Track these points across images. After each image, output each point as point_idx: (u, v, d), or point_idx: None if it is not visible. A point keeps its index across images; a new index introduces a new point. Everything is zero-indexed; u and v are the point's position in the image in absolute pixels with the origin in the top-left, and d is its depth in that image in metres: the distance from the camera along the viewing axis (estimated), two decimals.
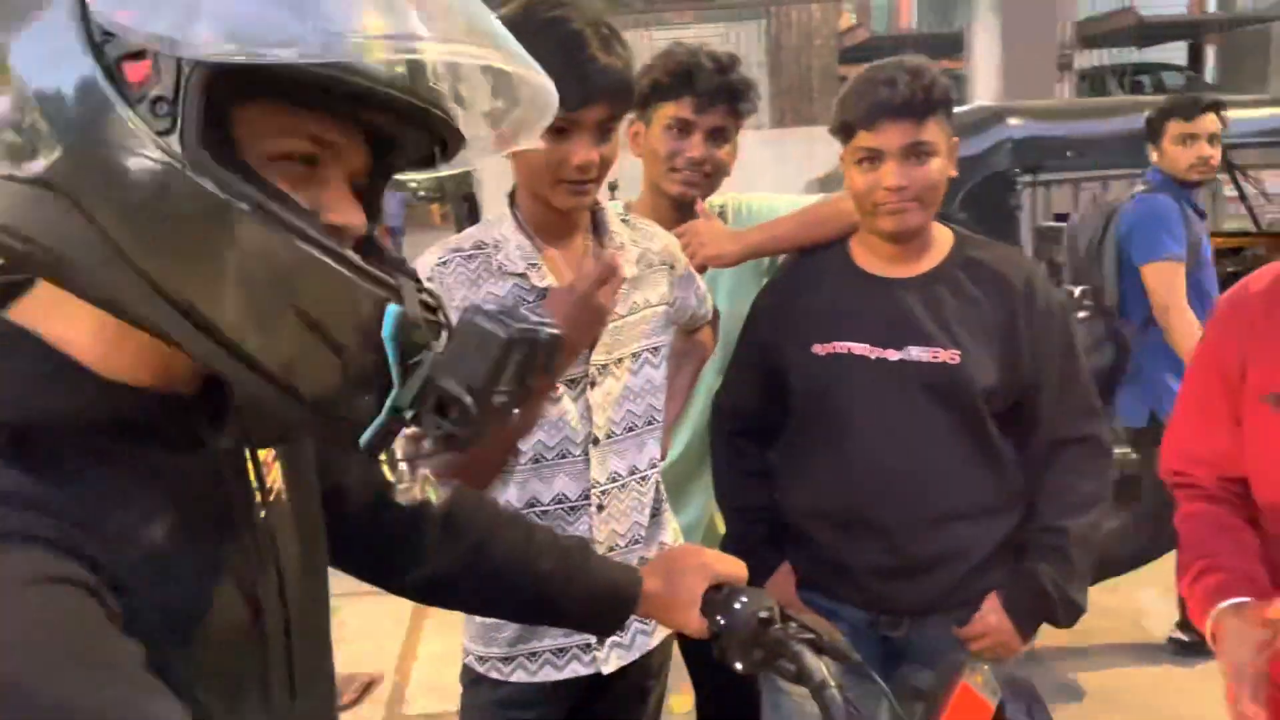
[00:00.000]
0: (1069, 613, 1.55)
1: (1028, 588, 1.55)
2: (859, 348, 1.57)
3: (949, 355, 1.52)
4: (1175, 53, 15.17)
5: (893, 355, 1.55)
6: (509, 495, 1.37)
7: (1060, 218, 5.59)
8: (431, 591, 1.02)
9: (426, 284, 0.68)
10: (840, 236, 1.68)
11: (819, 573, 1.64)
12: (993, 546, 1.57)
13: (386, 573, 1.00)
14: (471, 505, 1.04)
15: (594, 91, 1.24)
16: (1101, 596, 2.83)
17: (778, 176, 7.38)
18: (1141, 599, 3.54)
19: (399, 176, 0.75)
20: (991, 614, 1.55)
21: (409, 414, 0.62)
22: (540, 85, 0.68)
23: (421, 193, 17.48)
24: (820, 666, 0.94)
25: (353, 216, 0.66)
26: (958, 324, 1.54)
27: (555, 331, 0.68)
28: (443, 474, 1.12)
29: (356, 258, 0.61)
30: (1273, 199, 5.49)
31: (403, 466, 0.99)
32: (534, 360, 0.66)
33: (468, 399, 0.62)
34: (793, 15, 9.10)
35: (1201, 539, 1.27)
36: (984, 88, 8.72)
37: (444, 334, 0.65)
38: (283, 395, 0.60)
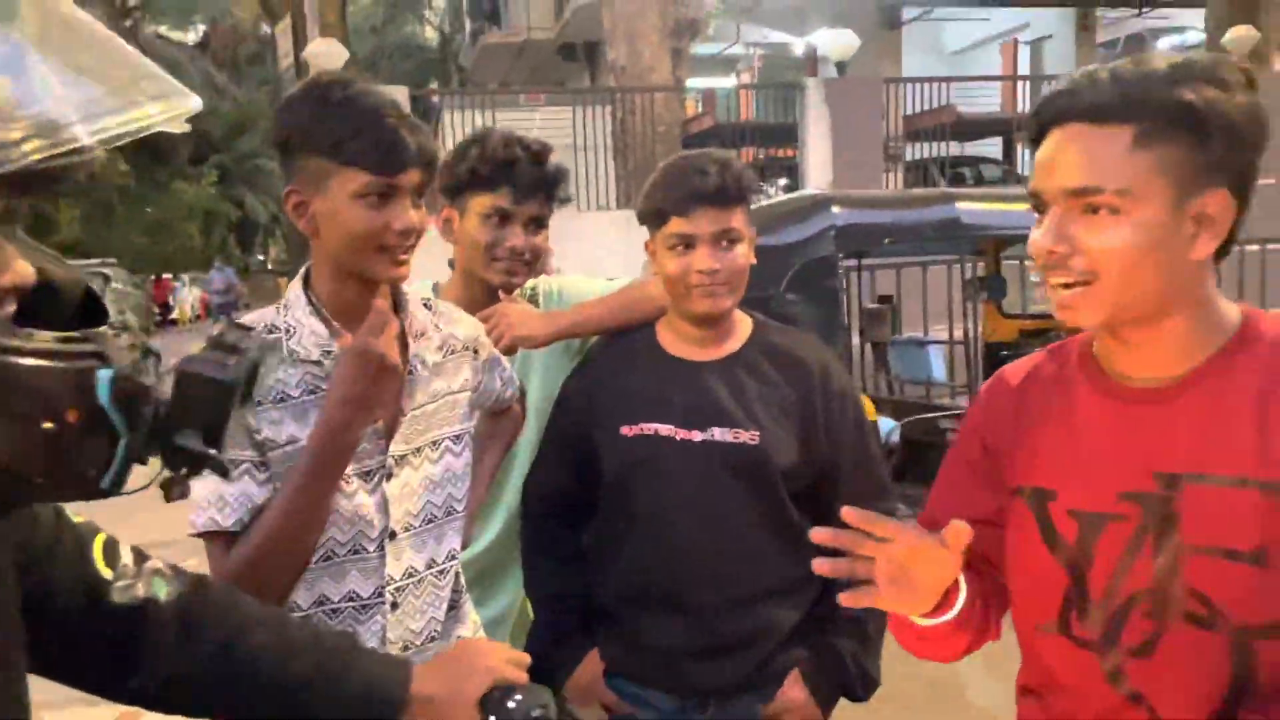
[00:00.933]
0: (866, 686, 1.60)
1: (828, 663, 1.59)
2: (665, 429, 1.60)
3: (749, 436, 1.57)
4: (992, 147, 16.45)
5: (696, 436, 1.58)
6: (296, 596, 1.30)
7: (884, 300, 5.94)
8: (166, 698, 0.94)
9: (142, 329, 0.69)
10: (648, 320, 1.72)
11: (628, 658, 1.64)
12: (796, 623, 1.61)
13: (103, 679, 0.92)
14: (220, 603, 0.98)
15: (412, 156, 1.26)
16: None
17: (625, 256, 7.54)
18: None
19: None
20: (793, 689, 1.57)
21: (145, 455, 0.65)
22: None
23: (270, 266, 17.05)
24: None
25: (18, 269, 0.65)
26: (758, 405, 1.59)
27: (268, 339, 0.72)
28: (239, 583, 1.08)
29: (43, 339, 0.61)
30: None
31: (125, 562, 0.93)
32: (254, 380, 0.71)
33: (203, 449, 0.66)
34: (638, 101, 9.41)
35: None
36: (817, 176, 9.21)
37: (159, 366, 0.67)
38: (13, 480, 0.61)
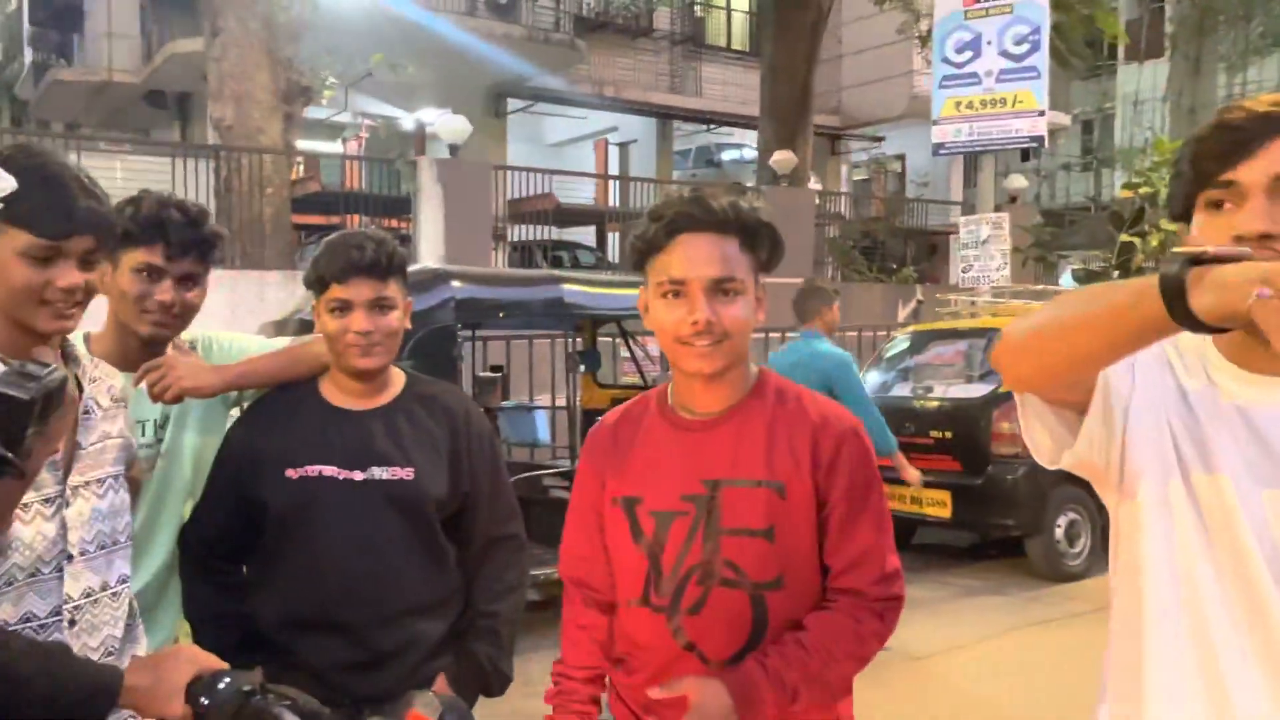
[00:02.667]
0: (500, 683, 1.89)
1: (468, 666, 1.86)
2: (329, 470, 1.81)
3: (405, 473, 1.83)
4: (587, 235, 17.91)
5: (358, 475, 1.81)
6: None
7: (495, 369, 6.37)
8: None
9: None
10: (312, 375, 1.92)
11: (286, 677, 1.79)
12: (441, 635, 1.87)
13: None
14: None
15: (79, 225, 1.37)
16: None
17: (231, 316, 7.27)
18: None
19: None
20: (441, 690, 1.83)
21: None
22: None
23: None
24: None
25: None
26: (412, 446, 1.86)
27: (62, 375, 0.89)
28: None
29: None
30: (654, 359, 6.82)
31: None
32: (51, 405, 0.88)
33: (10, 455, 0.82)
34: (244, 161, 9.16)
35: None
36: (430, 250, 9.54)
37: None
38: None
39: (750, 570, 1.48)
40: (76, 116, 18.75)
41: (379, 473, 1.82)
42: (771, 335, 8.31)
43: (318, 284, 1.83)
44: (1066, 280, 14.62)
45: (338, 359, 1.85)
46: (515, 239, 13.28)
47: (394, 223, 12.15)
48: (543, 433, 5.91)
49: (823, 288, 5.03)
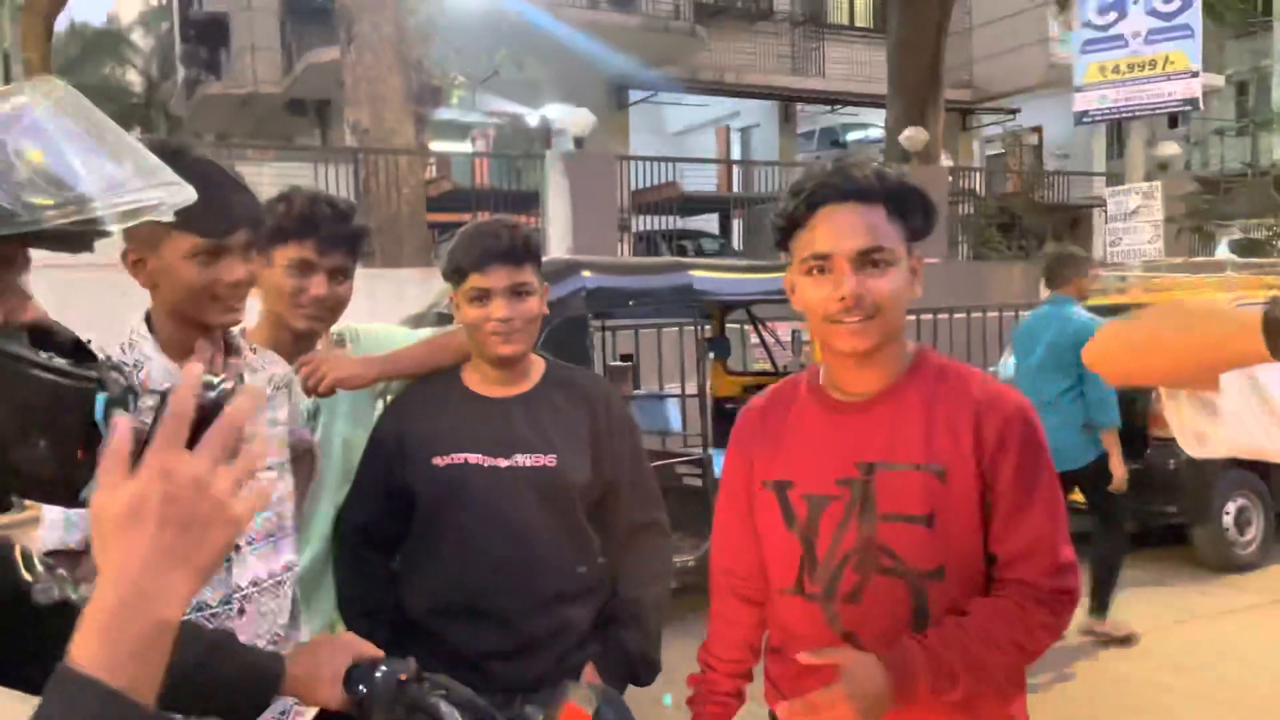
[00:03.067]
0: (648, 671, 1.87)
1: (616, 654, 1.85)
2: (474, 457, 1.82)
3: (548, 459, 1.82)
4: (710, 222, 17.83)
5: (502, 462, 1.82)
6: None
7: (625, 358, 6.39)
8: None
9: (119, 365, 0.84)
10: (454, 364, 1.94)
11: (438, 665, 1.81)
12: (589, 623, 1.86)
13: (32, 675, 1.02)
14: None
15: (238, 220, 1.43)
16: None
17: (368, 314, 7.51)
18: None
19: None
20: (590, 679, 1.82)
21: None
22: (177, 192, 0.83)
23: None
24: (454, 713, 1.14)
25: (37, 306, 0.80)
26: (554, 433, 1.85)
27: (229, 386, 0.87)
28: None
29: (60, 362, 0.76)
30: (785, 345, 6.73)
31: (39, 566, 1.02)
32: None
33: None
34: (380, 163, 9.47)
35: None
36: (558, 242, 9.66)
37: (137, 402, 0.81)
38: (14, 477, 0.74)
39: (909, 558, 1.41)
40: (225, 128, 19.84)
41: (523, 459, 1.82)
42: (923, 317, 8.04)
43: (455, 274, 1.84)
44: (1222, 250, 13.69)
45: (479, 347, 1.86)
46: (640, 229, 13.32)
47: (523, 218, 12.37)
48: (674, 421, 5.90)
49: (1075, 254, 5.10)
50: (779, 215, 1.46)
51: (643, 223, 13.54)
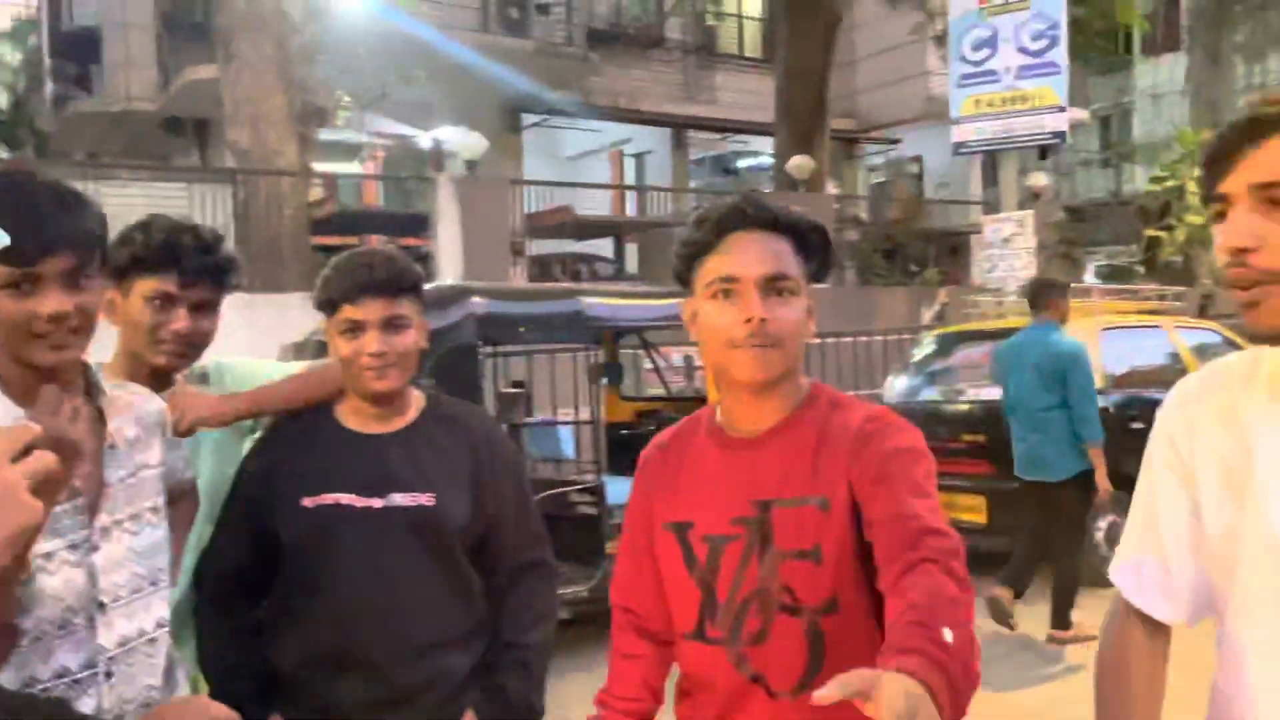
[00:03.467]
0: (531, 718, 1.81)
1: (497, 703, 1.77)
2: (345, 498, 1.73)
3: (425, 498, 1.74)
4: (604, 246, 17.86)
5: (376, 503, 1.73)
6: (2, 679, 1.26)
7: (517, 384, 6.30)
8: None
9: None
10: (328, 399, 1.84)
11: None
12: (468, 670, 1.78)
13: None
14: None
15: (51, 244, 1.25)
16: None
17: (249, 340, 7.23)
18: None
19: None
20: None
21: None
22: None
23: None
24: None
25: None
26: (434, 471, 1.77)
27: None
28: None
29: None
30: (678, 370, 6.75)
31: None
32: None
33: None
34: (260, 184, 9.16)
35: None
36: (448, 267, 9.51)
37: None
38: None
39: (804, 594, 1.36)
40: (96, 146, 18.93)
41: (399, 499, 1.74)
42: (811, 341, 8.19)
43: (328, 305, 1.75)
44: (1089, 276, 14.42)
45: (352, 382, 1.77)
46: (534, 253, 13.24)
47: (413, 241, 12.16)
48: (567, 447, 5.83)
49: (1054, 280, 5.43)
50: (685, 243, 1.43)
51: (536, 247, 13.46)
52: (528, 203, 12.49)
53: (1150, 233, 11.20)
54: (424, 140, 16.47)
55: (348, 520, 1.72)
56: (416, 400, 1.87)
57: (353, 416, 1.81)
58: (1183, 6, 20.44)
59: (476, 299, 4.45)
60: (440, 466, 1.79)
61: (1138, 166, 21.75)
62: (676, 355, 6.82)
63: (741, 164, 21.15)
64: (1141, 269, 13.61)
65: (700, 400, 5.57)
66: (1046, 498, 5.04)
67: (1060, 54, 9.39)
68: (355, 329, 1.72)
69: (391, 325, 1.73)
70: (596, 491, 5.09)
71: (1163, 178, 11.89)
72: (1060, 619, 4.98)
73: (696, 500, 1.45)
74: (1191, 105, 18.49)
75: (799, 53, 13.92)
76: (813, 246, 1.42)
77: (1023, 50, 9.49)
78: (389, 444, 1.79)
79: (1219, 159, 1.11)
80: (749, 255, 1.37)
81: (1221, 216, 1.12)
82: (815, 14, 13.79)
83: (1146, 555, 1.29)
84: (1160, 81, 23.28)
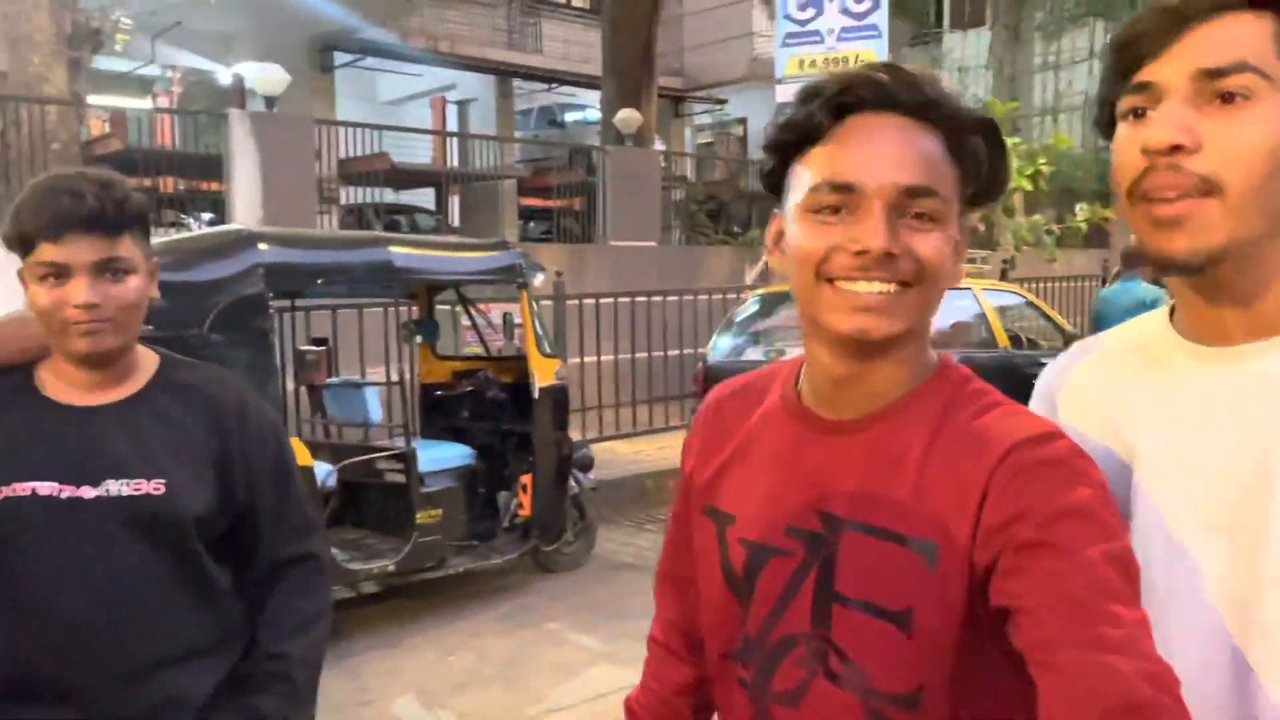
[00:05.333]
0: None
1: None
2: (45, 487, 1.36)
3: (153, 486, 1.40)
4: (425, 197, 17.12)
5: (87, 493, 1.38)
6: None
7: (319, 341, 5.81)
8: None
9: None
10: (24, 361, 1.46)
11: None
12: (213, 688, 1.46)
13: None
14: None
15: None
16: None
17: (6, 296, 6.39)
18: None
19: None
20: None
21: None
22: None
23: None
24: None
25: None
26: (164, 451, 1.43)
27: None
28: None
29: None
30: (496, 328, 6.42)
31: None
32: None
33: None
34: (24, 114, 8.11)
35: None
36: (245, 213, 8.75)
37: None
38: None
39: (871, 670, 0.91)
40: None
41: (116, 487, 1.39)
42: (638, 300, 8.02)
43: (21, 243, 1.37)
44: None
45: (57, 341, 1.40)
46: (350, 201, 12.45)
47: (211, 185, 11.18)
48: (374, 411, 5.42)
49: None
50: (783, 125, 0.95)
51: (352, 196, 12.66)
52: (344, 147, 11.68)
53: None
54: (225, 76, 15.22)
55: (46, 514, 1.36)
56: (147, 363, 1.51)
57: (58, 384, 1.44)
58: None
59: (264, 245, 4.00)
60: (173, 445, 1.44)
61: None
62: (495, 312, 6.48)
63: (569, 117, 20.76)
64: None
65: (522, 360, 5.28)
66: None
67: (882, 17, 9.53)
68: (58, 274, 1.36)
69: (108, 270, 1.38)
70: (406, 458, 4.73)
71: None
72: None
73: (744, 487, 1.03)
74: (994, 79, 19.48)
75: (624, 3, 13.65)
76: (976, 152, 0.93)
77: (846, 11, 9.57)
78: (105, 419, 1.43)
79: (1141, 39, 0.89)
80: (881, 153, 0.90)
81: (1138, 114, 0.90)
82: None
83: None
84: (968, 55, 24.43)
